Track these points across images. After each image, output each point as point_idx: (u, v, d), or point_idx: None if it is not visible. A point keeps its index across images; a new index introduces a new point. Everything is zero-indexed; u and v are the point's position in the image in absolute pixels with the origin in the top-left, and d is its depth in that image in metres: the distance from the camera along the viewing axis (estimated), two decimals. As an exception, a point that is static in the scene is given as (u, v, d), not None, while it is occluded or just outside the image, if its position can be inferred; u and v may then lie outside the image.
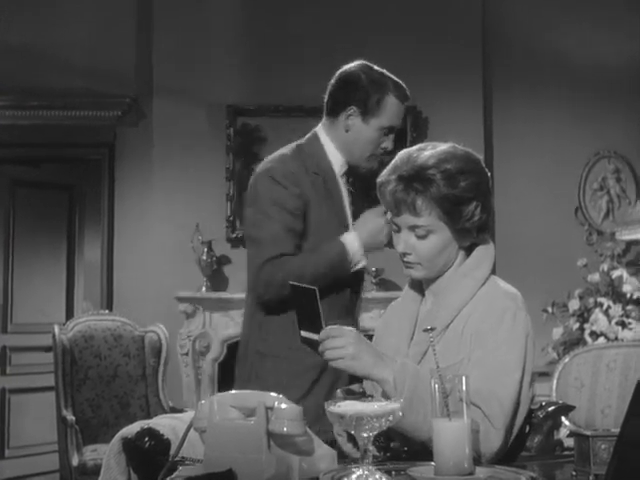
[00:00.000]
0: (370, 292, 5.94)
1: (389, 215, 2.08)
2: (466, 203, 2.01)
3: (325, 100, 3.08)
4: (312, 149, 3.02)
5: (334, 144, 3.01)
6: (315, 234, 2.91)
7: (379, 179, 2.08)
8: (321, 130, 3.06)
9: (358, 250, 2.89)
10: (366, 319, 5.71)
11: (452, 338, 2.02)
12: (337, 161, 3.01)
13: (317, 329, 1.91)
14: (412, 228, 2.03)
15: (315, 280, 2.69)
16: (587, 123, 6.44)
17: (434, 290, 2.12)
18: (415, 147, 2.09)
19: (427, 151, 2.05)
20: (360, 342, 1.90)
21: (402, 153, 2.09)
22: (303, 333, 1.95)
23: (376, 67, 3.14)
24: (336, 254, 2.87)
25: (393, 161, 2.08)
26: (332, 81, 3.09)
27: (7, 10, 6.18)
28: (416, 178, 1.99)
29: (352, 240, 2.88)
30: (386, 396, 1.87)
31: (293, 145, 3.07)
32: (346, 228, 2.97)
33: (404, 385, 1.86)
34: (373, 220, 2.89)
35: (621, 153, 6.52)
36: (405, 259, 2.07)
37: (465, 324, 2.03)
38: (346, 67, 3.13)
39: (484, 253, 2.11)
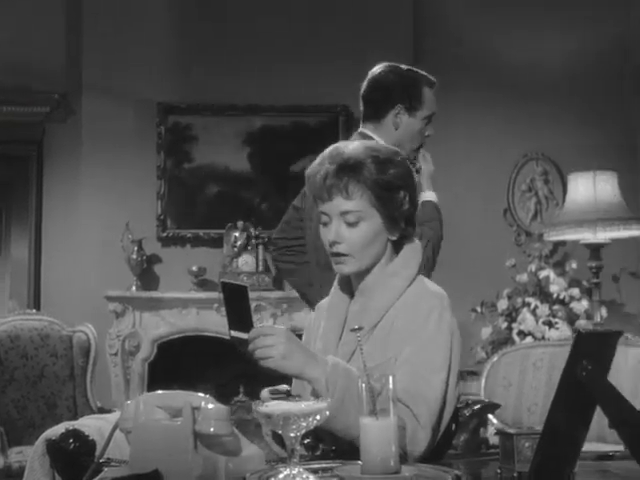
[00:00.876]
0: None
1: (319, 206, 2.08)
2: (395, 190, 2.07)
3: (363, 107, 3.37)
4: None
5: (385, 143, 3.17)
6: None
7: (308, 171, 2.10)
8: (370, 132, 3.26)
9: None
10: (297, 318, 5.73)
11: (380, 337, 2.04)
12: None
13: (247, 328, 1.90)
14: (343, 214, 2.04)
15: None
16: (516, 125, 6.53)
17: (362, 289, 2.13)
18: (342, 142, 2.15)
19: (355, 143, 2.12)
20: (291, 341, 1.89)
21: (330, 147, 2.12)
22: (233, 332, 1.93)
23: (401, 65, 3.42)
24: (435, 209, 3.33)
25: (321, 155, 2.10)
26: (365, 88, 3.38)
27: None
28: (348, 163, 2.04)
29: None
30: (316, 395, 1.87)
31: None
32: None
33: (336, 385, 1.86)
34: None
35: (549, 155, 6.62)
36: (335, 249, 2.06)
37: (392, 323, 2.04)
38: (374, 72, 3.39)
39: (412, 252, 2.14)
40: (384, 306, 2.07)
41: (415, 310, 2.03)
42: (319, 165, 2.07)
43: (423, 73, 3.38)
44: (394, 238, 2.11)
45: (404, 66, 3.38)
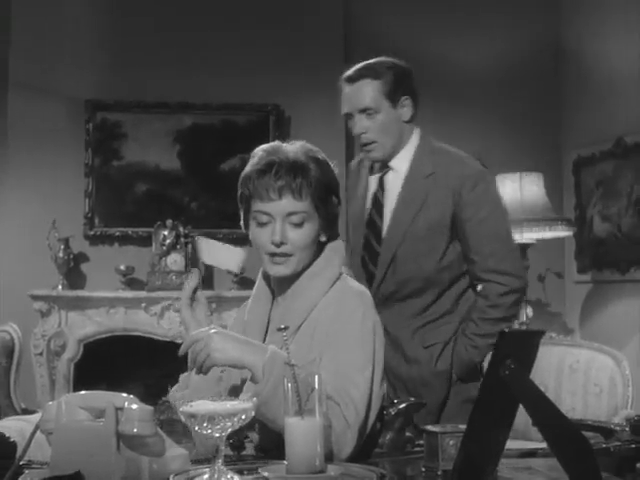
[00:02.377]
0: (230, 291, 5.94)
1: (256, 206, 2.07)
2: (332, 192, 2.12)
3: None
4: None
5: None
6: None
7: (249, 170, 2.09)
8: None
9: None
10: (227, 317, 5.71)
11: (304, 338, 2.04)
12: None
13: None
14: (289, 215, 2.05)
15: None
16: (444, 126, 6.56)
17: (283, 292, 2.14)
18: (271, 143, 2.15)
19: (291, 145, 2.13)
20: (221, 334, 1.91)
21: (265, 147, 2.13)
22: None
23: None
24: None
25: (258, 155, 2.10)
26: None
27: None
28: (297, 164, 2.05)
29: None
30: (255, 381, 1.89)
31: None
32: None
33: (272, 372, 1.86)
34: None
35: (476, 156, 6.66)
36: (280, 250, 2.06)
37: (316, 324, 2.05)
38: None
39: (334, 251, 2.15)
40: (307, 306, 2.08)
41: (339, 310, 2.04)
42: (265, 165, 2.06)
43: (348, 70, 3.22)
44: (324, 239, 2.13)
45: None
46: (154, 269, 5.99)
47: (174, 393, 2.11)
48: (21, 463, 1.72)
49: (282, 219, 2.05)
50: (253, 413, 1.61)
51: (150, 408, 1.63)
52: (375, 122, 2.99)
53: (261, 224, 2.08)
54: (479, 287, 3.10)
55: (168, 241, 5.98)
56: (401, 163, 3.08)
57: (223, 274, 6.02)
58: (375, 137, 3.00)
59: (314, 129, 5.81)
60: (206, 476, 1.62)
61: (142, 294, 5.92)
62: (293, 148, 2.10)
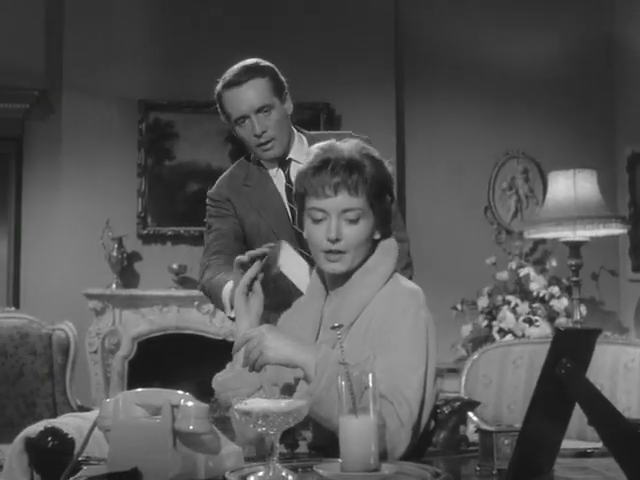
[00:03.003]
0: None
1: (311, 203, 2.07)
2: (387, 189, 2.12)
3: None
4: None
5: None
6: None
7: (304, 168, 2.10)
8: None
9: (227, 305, 2.88)
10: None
11: (356, 336, 2.04)
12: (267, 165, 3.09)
13: None
14: (344, 212, 2.05)
15: (207, 289, 3.04)
16: (497, 123, 6.55)
17: (338, 288, 2.13)
18: (326, 142, 2.15)
19: (346, 143, 2.13)
20: (272, 331, 1.94)
21: (320, 145, 2.13)
22: None
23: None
24: (217, 285, 2.93)
25: (313, 153, 2.11)
26: None
27: None
28: (351, 161, 2.06)
29: (225, 294, 2.88)
30: (307, 380, 1.90)
31: None
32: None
33: (324, 371, 1.87)
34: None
35: (529, 154, 6.64)
36: (335, 246, 2.05)
37: (369, 322, 2.05)
38: None
39: (387, 249, 2.14)
40: (360, 303, 2.08)
41: (391, 309, 2.04)
42: (320, 162, 2.06)
43: (223, 77, 3.12)
44: (378, 237, 2.13)
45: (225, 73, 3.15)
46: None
47: (217, 377, 2.13)
48: (79, 459, 1.74)
49: (337, 216, 2.05)
50: (307, 411, 1.62)
51: (205, 406, 1.65)
52: (271, 119, 2.95)
53: (316, 221, 2.07)
54: None
55: (220, 240, 6.01)
56: (299, 155, 3.01)
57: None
58: (274, 134, 2.95)
59: (365, 127, 5.76)
60: (261, 473, 1.63)
61: (194, 293, 5.95)
62: (348, 146, 2.10)
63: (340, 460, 1.67)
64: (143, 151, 6.17)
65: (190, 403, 1.64)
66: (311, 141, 3.03)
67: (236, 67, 3.07)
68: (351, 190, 2.03)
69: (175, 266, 6.00)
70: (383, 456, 1.76)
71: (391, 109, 6.39)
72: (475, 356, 4.33)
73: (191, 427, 1.62)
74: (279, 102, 3.02)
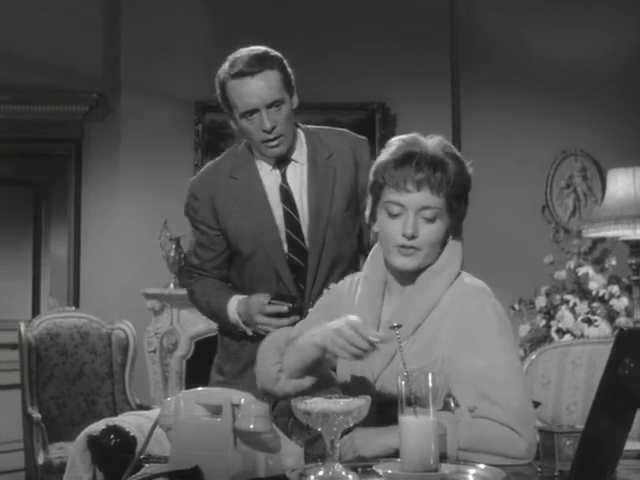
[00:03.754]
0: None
1: (389, 196, 2.04)
2: (467, 192, 2.10)
3: None
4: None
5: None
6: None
7: (385, 159, 2.05)
8: None
9: (238, 320, 2.85)
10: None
11: (424, 339, 2.00)
12: (260, 161, 2.93)
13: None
14: (423, 209, 2.01)
15: (208, 314, 3.04)
16: (554, 121, 6.48)
17: (401, 288, 2.11)
18: (408, 134, 2.10)
19: (430, 139, 2.08)
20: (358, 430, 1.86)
21: (403, 137, 2.08)
22: None
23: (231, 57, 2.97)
24: (220, 311, 2.90)
25: (395, 145, 2.06)
26: None
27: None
28: (436, 159, 2.02)
29: (232, 310, 2.85)
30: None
31: None
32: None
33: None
34: (257, 300, 2.80)
35: (587, 151, 6.56)
36: (410, 243, 2.02)
37: (440, 324, 2.01)
38: None
39: (454, 250, 2.11)
40: (427, 306, 2.04)
41: (464, 310, 2.00)
42: (404, 155, 2.02)
43: (226, 67, 2.95)
44: (451, 238, 2.11)
45: (230, 58, 3.01)
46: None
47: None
48: (141, 457, 1.76)
49: (415, 212, 2.01)
50: (367, 411, 1.62)
51: (266, 405, 1.65)
52: (281, 114, 2.80)
53: (392, 215, 2.04)
54: None
55: (277, 240, 6.03)
56: (298, 155, 2.91)
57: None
58: (283, 130, 2.80)
59: (420, 127, 5.72)
60: (321, 472, 1.63)
61: (251, 292, 5.99)
62: (432, 142, 2.06)
63: (399, 460, 1.67)
64: (200, 152, 6.22)
65: (250, 402, 1.65)
66: (308, 135, 3.00)
67: (245, 55, 2.92)
68: (433, 188, 2.00)
69: (232, 266, 6.03)
70: (442, 456, 1.75)
71: (447, 108, 6.36)
72: (533, 356, 4.29)
73: (251, 426, 1.63)
74: (288, 96, 2.90)
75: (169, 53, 6.24)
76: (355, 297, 2.18)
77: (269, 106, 2.77)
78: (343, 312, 2.10)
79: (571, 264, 5.99)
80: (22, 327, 4.86)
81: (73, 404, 4.91)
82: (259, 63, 2.86)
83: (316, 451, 1.92)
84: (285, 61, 3.00)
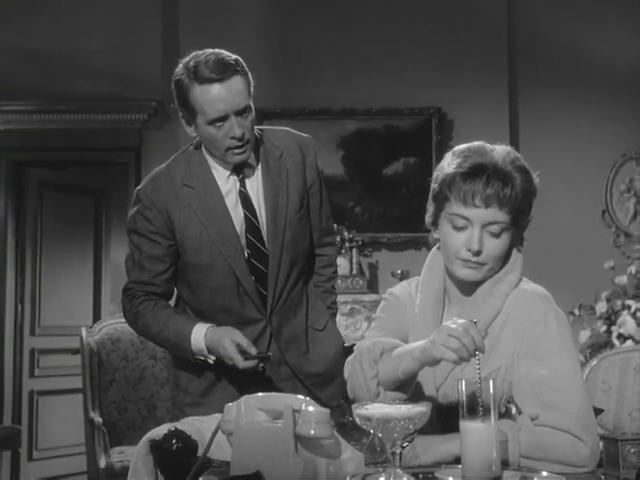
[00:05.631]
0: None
1: (456, 209, 2.00)
2: (531, 204, 2.06)
3: None
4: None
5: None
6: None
7: (453, 171, 2.01)
8: None
9: (202, 349, 2.71)
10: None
11: (486, 346, 1.98)
12: (216, 167, 2.81)
13: None
14: (488, 224, 1.99)
15: (157, 342, 2.91)
16: (614, 124, 6.40)
17: (460, 296, 2.10)
18: (475, 143, 2.07)
19: (497, 149, 2.04)
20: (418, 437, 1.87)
21: (469, 147, 2.05)
22: None
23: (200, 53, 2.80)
24: (180, 339, 2.73)
25: (462, 154, 2.02)
26: None
27: (36, 16, 6.24)
28: (505, 172, 1.98)
29: (199, 338, 2.70)
30: None
31: None
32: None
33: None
34: (230, 332, 2.67)
35: (648, 155, 6.48)
36: (475, 259, 2.00)
37: (501, 331, 2.00)
38: None
39: (516, 257, 2.10)
40: (490, 314, 2.03)
41: (526, 316, 1.99)
42: (473, 168, 1.99)
43: (187, 71, 2.73)
44: (515, 250, 2.09)
45: (191, 62, 2.77)
46: (320, 273, 6.07)
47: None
48: (203, 462, 1.77)
49: (481, 227, 1.99)
50: (428, 417, 1.61)
51: (326, 410, 1.65)
52: (248, 121, 2.69)
53: (457, 227, 2.01)
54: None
55: (333, 246, 6.04)
56: (252, 156, 2.80)
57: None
58: (250, 136, 2.70)
59: (477, 132, 5.68)
60: (382, 478, 1.63)
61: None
62: (500, 154, 2.02)
63: (460, 466, 1.66)
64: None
65: (311, 408, 1.65)
66: (258, 137, 2.87)
67: (210, 59, 2.74)
68: (501, 205, 1.97)
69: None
70: (505, 463, 1.74)
71: (504, 112, 6.32)
72: (594, 362, 4.24)
73: (312, 432, 1.63)
74: (251, 100, 2.77)
75: (226, 61, 6.28)
76: (415, 304, 2.17)
77: (238, 113, 2.66)
78: (406, 318, 2.10)
79: (632, 269, 5.92)
80: (84, 332, 4.91)
81: (134, 409, 4.96)
82: (227, 69, 2.73)
83: (377, 457, 1.92)
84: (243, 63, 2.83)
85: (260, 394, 1.76)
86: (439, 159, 2.14)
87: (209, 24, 6.30)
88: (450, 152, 2.07)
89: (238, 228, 2.76)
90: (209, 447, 1.75)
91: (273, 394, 1.80)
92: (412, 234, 6.00)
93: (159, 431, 2.00)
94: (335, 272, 3.12)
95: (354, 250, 6.07)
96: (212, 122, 2.64)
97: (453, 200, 2.00)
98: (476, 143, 2.06)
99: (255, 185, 2.80)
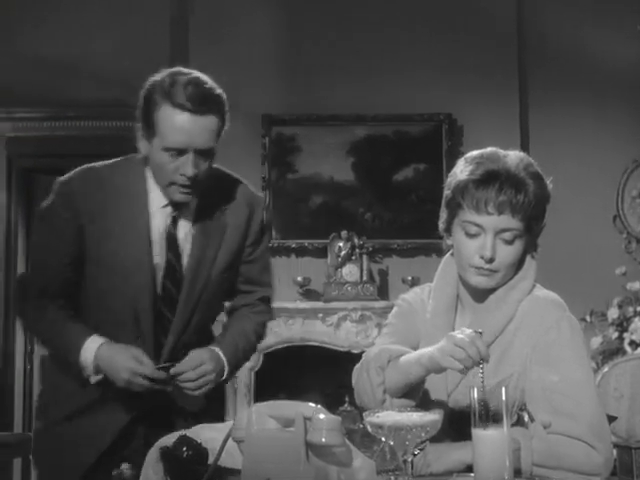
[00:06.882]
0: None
1: (469, 216, 2.00)
2: (545, 211, 2.06)
3: None
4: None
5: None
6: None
7: (466, 178, 2.00)
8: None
9: (90, 366, 2.42)
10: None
11: (498, 352, 1.98)
12: (154, 191, 2.54)
13: None
14: (501, 231, 1.98)
15: (44, 338, 2.59)
16: (625, 129, 6.37)
17: (473, 303, 2.09)
18: (488, 149, 2.06)
19: (510, 155, 2.04)
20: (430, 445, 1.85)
21: (481, 153, 2.05)
22: None
23: (179, 68, 2.64)
24: (69, 344, 2.45)
25: (475, 161, 2.02)
26: None
27: (45, 23, 6.25)
28: (518, 179, 1.97)
29: (90, 350, 2.41)
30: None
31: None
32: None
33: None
34: (124, 352, 2.40)
35: (659, 161, 6.45)
36: (487, 266, 2.00)
37: (514, 337, 1.99)
38: None
39: (530, 263, 2.09)
40: (503, 320, 2.02)
41: (539, 322, 1.98)
42: (485, 174, 1.98)
43: (163, 85, 2.54)
44: (529, 257, 2.08)
45: (170, 79, 2.56)
46: (330, 280, 6.07)
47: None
48: (213, 470, 1.77)
49: (493, 234, 1.98)
50: (440, 425, 1.60)
51: (338, 418, 1.64)
52: (207, 164, 2.46)
53: (469, 235, 2.01)
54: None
55: (343, 252, 6.04)
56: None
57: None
58: (202, 179, 2.44)
59: (487, 138, 5.68)
60: (394, 487, 1.62)
61: (319, 305, 6.00)
62: (514, 160, 2.02)
63: (472, 475, 1.65)
64: (267, 165, 6.25)
65: (322, 415, 1.64)
66: (211, 176, 2.60)
67: (191, 86, 2.52)
68: (514, 211, 1.96)
69: (300, 278, 6.05)
70: (517, 472, 1.73)
71: (515, 117, 6.30)
72: (605, 369, 4.23)
73: (323, 439, 1.62)
74: (216, 145, 2.54)
75: (236, 67, 6.28)
76: (427, 310, 2.16)
77: (199, 152, 2.42)
78: (418, 324, 2.09)
79: (644, 275, 5.89)
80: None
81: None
82: (205, 102, 2.49)
83: (387, 465, 1.91)
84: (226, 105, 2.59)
85: (271, 402, 1.76)
86: (449, 165, 2.14)
87: (218, 31, 6.31)
88: (463, 158, 2.07)
89: (156, 260, 2.50)
90: (220, 455, 1.74)
91: (284, 401, 1.79)
92: (422, 240, 5.98)
93: (170, 438, 1.99)
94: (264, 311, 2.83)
95: (364, 256, 6.06)
96: (168, 150, 2.38)
97: (466, 207, 2.00)
98: (489, 149, 2.06)
99: (187, 229, 2.54)
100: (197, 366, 2.44)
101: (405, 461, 1.61)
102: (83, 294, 2.54)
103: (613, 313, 5.77)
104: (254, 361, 6.02)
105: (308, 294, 6.10)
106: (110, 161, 2.66)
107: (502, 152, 2.05)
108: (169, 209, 2.50)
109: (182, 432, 1.91)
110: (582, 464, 1.81)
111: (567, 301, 2.11)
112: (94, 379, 2.43)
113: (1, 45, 6.23)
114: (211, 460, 1.80)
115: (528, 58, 6.39)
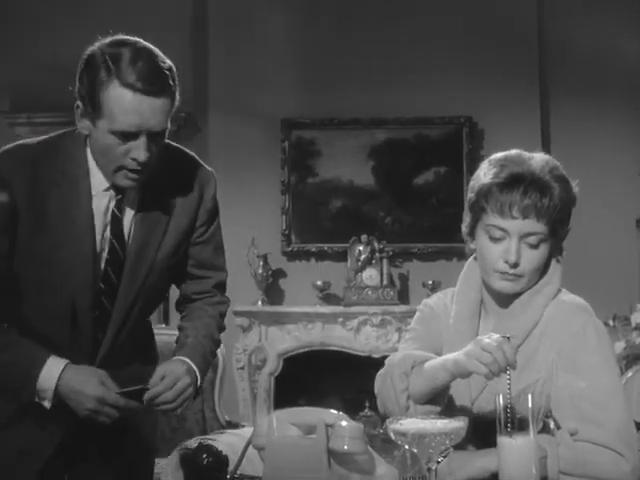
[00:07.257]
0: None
1: (493, 220, 1.97)
2: (570, 214, 2.02)
3: None
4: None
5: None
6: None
7: (490, 181, 1.97)
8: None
9: (51, 388, 2.15)
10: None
11: (523, 358, 1.94)
12: (95, 174, 2.28)
13: None
14: (526, 235, 1.95)
15: None
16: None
17: (497, 308, 2.06)
18: (512, 152, 2.03)
19: (535, 158, 2.00)
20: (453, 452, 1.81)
21: (506, 156, 2.01)
22: None
23: (123, 37, 2.37)
24: (22, 367, 2.18)
25: (499, 164, 1.98)
26: None
27: (64, 28, 6.27)
28: (543, 183, 1.94)
29: (53, 373, 2.15)
30: None
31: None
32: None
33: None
34: (92, 378, 2.17)
35: (683, 163, 6.40)
36: (512, 271, 1.97)
37: (539, 343, 1.96)
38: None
39: (555, 268, 2.06)
40: (528, 326, 1.99)
41: (565, 327, 1.95)
42: (510, 178, 1.95)
43: (114, 58, 2.24)
44: (554, 261, 2.05)
45: (114, 50, 2.29)
46: (350, 284, 6.05)
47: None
48: (233, 477, 1.75)
49: (518, 238, 1.95)
50: (465, 432, 1.58)
51: (360, 425, 1.63)
52: (158, 147, 2.21)
53: (494, 239, 1.98)
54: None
55: (363, 256, 6.01)
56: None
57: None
58: (152, 163, 2.19)
59: (508, 141, 5.61)
60: (417, 495, 1.60)
61: (339, 309, 5.98)
62: (538, 163, 1.98)
63: (498, 482, 1.63)
64: (287, 169, 6.24)
65: (344, 423, 1.62)
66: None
67: (144, 61, 2.28)
68: (540, 215, 1.93)
69: (319, 283, 6.03)
70: None
71: (535, 120, 6.26)
72: (629, 374, 4.20)
73: (346, 447, 1.60)
74: (169, 124, 2.29)
75: (256, 72, 6.28)
76: (450, 315, 2.13)
77: (151, 135, 2.17)
78: (441, 329, 2.06)
79: (667, 279, 5.84)
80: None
81: (164, 421, 4.92)
82: (157, 80, 2.23)
83: (407, 471, 1.88)
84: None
85: (292, 408, 1.74)
86: (470, 168, 2.12)
87: (238, 35, 6.31)
88: (486, 161, 2.03)
89: (100, 258, 2.28)
90: (240, 462, 1.73)
91: (305, 408, 1.77)
92: (443, 244, 5.95)
93: (190, 444, 1.98)
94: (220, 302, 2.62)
95: (384, 261, 6.04)
96: (116, 133, 2.13)
97: (490, 211, 1.97)
98: (513, 151, 2.02)
99: (131, 211, 2.31)
100: (173, 384, 2.25)
101: (429, 469, 1.58)
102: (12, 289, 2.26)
103: (637, 317, 5.72)
104: (274, 366, 6.01)
105: (328, 298, 6.08)
106: (45, 137, 2.42)
107: (527, 154, 2.01)
108: (112, 192, 2.26)
109: (202, 438, 1.89)
110: (609, 472, 1.78)
111: (590, 305, 2.08)
112: (49, 404, 2.17)
113: (21, 51, 6.25)
114: (231, 467, 1.78)
115: (549, 61, 6.35)
